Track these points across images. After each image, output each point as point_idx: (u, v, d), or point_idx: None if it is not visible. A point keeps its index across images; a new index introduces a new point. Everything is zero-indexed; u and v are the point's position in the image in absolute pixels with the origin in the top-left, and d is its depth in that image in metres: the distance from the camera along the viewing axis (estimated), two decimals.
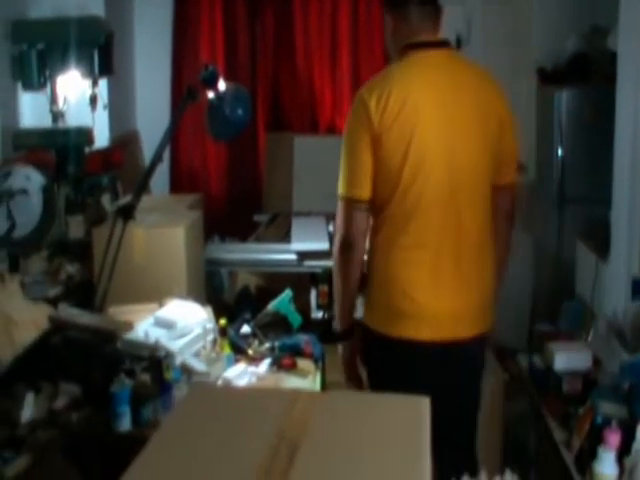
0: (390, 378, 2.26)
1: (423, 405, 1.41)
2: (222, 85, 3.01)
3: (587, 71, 4.25)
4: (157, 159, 2.90)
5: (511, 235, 2.47)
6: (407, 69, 2.25)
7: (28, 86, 3.88)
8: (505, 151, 2.31)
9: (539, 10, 4.76)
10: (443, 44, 2.31)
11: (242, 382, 2.41)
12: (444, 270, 2.20)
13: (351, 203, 2.21)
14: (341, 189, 2.24)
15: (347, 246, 2.23)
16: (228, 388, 2.19)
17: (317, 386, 2.51)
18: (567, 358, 2.66)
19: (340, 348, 2.37)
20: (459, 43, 4.91)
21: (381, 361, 2.30)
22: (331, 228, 3.90)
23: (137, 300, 3.00)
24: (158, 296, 2.96)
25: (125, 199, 3.43)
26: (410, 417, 1.38)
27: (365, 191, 2.20)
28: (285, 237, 4.04)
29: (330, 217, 4.01)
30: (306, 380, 2.49)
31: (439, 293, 2.21)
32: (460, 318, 2.24)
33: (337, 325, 2.36)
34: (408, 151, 2.16)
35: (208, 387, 2.10)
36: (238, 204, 5.00)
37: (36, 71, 3.82)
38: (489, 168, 2.27)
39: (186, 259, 3.41)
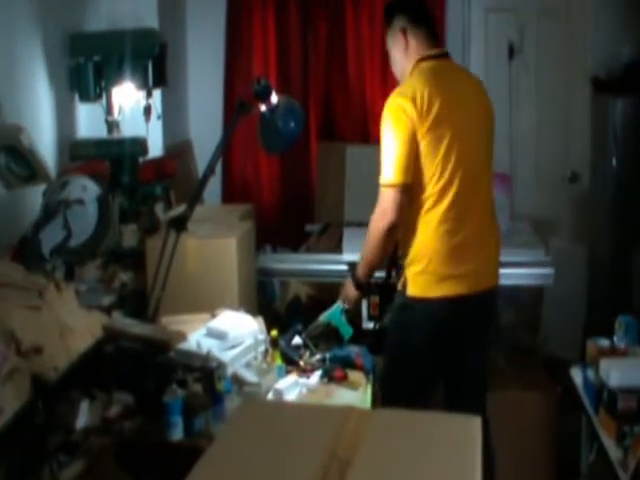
0: (421, 337, 2.76)
1: (474, 424, 1.40)
2: (274, 98, 3.01)
3: None
4: (209, 172, 2.92)
5: None
6: (425, 77, 2.70)
7: (85, 97, 3.94)
8: (492, 140, 2.87)
9: (594, 18, 4.68)
10: (446, 55, 2.84)
11: (293, 394, 2.42)
12: (471, 237, 2.72)
13: (399, 189, 2.64)
14: (391, 178, 2.65)
15: (394, 228, 2.68)
16: (279, 404, 2.19)
17: (368, 399, 2.50)
18: (622, 375, 2.59)
19: (351, 289, 2.87)
20: (511, 51, 4.86)
21: (418, 325, 2.75)
22: None
23: (189, 310, 3.03)
24: (210, 306, 2.99)
25: (178, 209, 3.46)
26: (461, 436, 1.37)
27: (408, 178, 2.64)
28: (336, 247, 4.03)
29: None
30: (357, 392, 2.48)
31: (471, 257, 2.73)
32: (485, 273, 2.80)
33: (361, 278, 2.86)
34: (441, 143, 2.64)
35: (259, 403, 2.11)
36: (290, 214, 5.01)
37: (92, 83, 3.88)
38: (490, 156, 2.84)
39: (238, 269, 3.42)
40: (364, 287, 2.90)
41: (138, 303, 3.26)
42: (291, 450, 1.31)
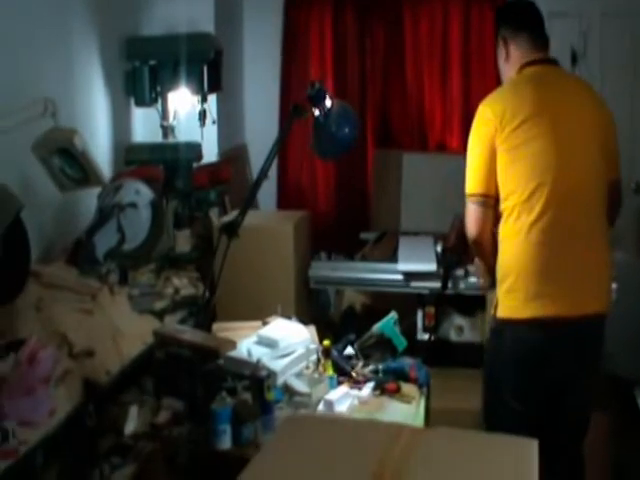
0: (511, 368, 2.54)
1: (532, 447, 1.32)
2: (328, 103, 2.97)
3: None
4: (262, 176, 2.88)
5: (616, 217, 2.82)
6: (522, 85, 2.60)
7: (140, 102, 3.95)
8: (610, 151, 2.62)
9: None
10: (551, 62, 2.66)
11: (344, 405, 2.36)
12: (568, 252, 2.48)
13: (476, 200, 2.55)
14: (468, 188, 2.57)
15: (479, 242, 2.60)
16: (326, 418, 2.13)
17: (421, 412, 2.43)
18: None
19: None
20: (574, 58, 4.74)
21: (508, 352, 2.53)
22: (439, 249, 3.83)
23: (242, 316, 3.00)
24: (265, 313, 2.95)
25: (231, 215, 3.44)
26: (518, 459, 1.29)
27: (486, 189, 2.53)
28: (392, 256, 3.96)
29: (438, 237, 3.92)
30: (410, 406, 2.41)
31: (568, 274, 2.48)
32: (587, 295, 2.51)
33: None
34: (528, 150, 2.48)
35: (306, 416, 2.06)
36: (345, 221, 4.95)
37: (148, 87, 3.89)
38: (601, 167, 2.57)
39: (294, 271, 3.40)
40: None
41: (191, 308, 3.25)
42: (336, 468, 1.25)
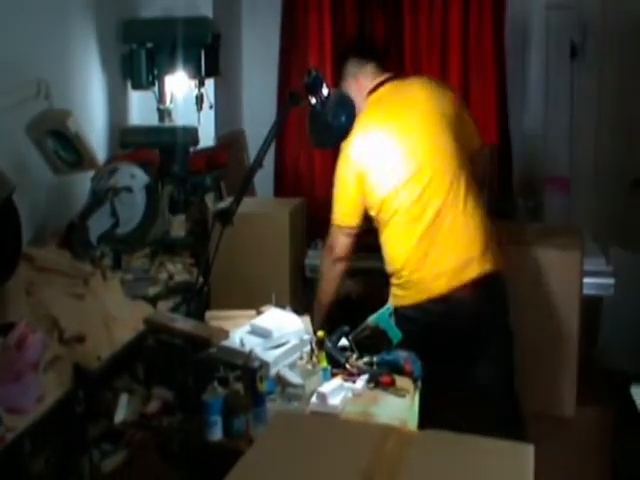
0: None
1: (527, 452, 1.28)
2: (325, 91, 2.93)
3: None
4: (257, 164, 2.84)
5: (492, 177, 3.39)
6: (371, 112, 2.94)
7: (137, 85, 3.91)
8: (464, 125, 2.94)
9: None
10: (390, 78, 2.99)
11: (337, 398, 2.33)
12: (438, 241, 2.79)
13: (342, 229, 2.93)
14: (336, 219, 2.93)
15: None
16: (316, 417, 2.10)
17: (415, 407, 2.40)
18: None
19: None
20: (573, 51, 4.70)
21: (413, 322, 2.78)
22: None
23: (236, 305, 2.97)
24: (257, 302, 2.93)
25: (226, 202, 3.40)
26: (512, 465, 1.25)
27: (356, 220, 2.90)
28: None
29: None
30: (404, 400, 2.38)
31: (441, 259, 2.78)
32: (456, 270, 2.78)
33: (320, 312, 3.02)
34: (394, 172, 2.80)
35: (295, 414, 2.03)
36: None
37: (145, 70, 3.85)
38: (458, 146, 2.85)
39: (290, 259, 3.36)
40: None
41: (184, 294, 3.22)
42: (326, 468, 1.22)
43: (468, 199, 2.81)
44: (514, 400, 2.93)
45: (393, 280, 2.89)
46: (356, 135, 2.90)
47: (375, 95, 2.97)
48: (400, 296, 2.85)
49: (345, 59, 3.08)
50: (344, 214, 2.92)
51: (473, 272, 2.77)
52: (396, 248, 2.85)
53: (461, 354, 2.83)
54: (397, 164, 2.82)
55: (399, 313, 2.75)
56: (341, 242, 2.94)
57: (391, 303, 2.82)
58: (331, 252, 2.98)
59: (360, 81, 3.01)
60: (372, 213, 2.89)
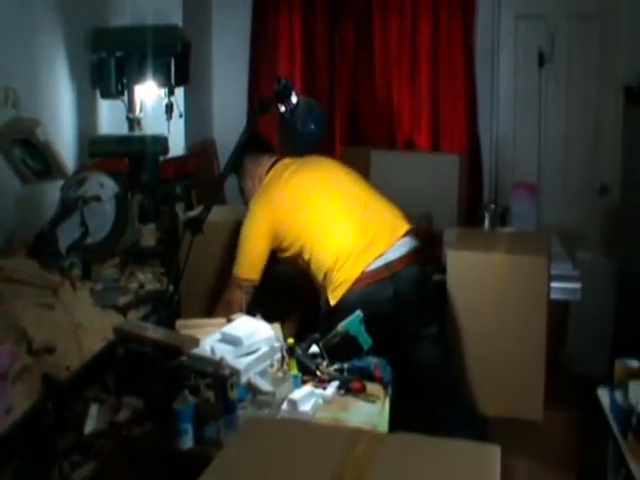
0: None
1: (494, 453, 1.30)
2: (294, 99, 2.94)
3: None
4: (226, 172, 2.85)
5: None
6: (274, 178, 3.08)
7: (106, 94, 3.89)
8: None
9: (628, 27, 4.59)
10: (282, 157, 3.16)
11: (308, 404, 2.33)
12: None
13: (240, 282, 3.00)
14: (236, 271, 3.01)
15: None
16: (287, 421, 2.10)
17: (386, 413, 2.41)
18: None
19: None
20: (542, 59, 4.76)
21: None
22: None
23: (206, 313, 2.97)
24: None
25: (196, 210, 3.40)
26: (480, 465, 1.27)
27: (257, 274, 3.01)
28: None
29: None
30: (374, 406, 2.39)
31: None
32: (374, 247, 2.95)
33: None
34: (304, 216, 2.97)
35: (266, 419, 2.03)
36: None
37: (114, 79, 3.83)
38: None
39: None
40: None
41: (155, 303, 3.21)
42: (296, 471, 1.23)
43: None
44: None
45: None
46: (267, 192, 3.06)
47: (273, 171, 3.12)
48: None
49: (243, 154, 3.17)
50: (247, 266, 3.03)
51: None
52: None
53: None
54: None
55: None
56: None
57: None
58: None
59: (258, 171, 3.16)
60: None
